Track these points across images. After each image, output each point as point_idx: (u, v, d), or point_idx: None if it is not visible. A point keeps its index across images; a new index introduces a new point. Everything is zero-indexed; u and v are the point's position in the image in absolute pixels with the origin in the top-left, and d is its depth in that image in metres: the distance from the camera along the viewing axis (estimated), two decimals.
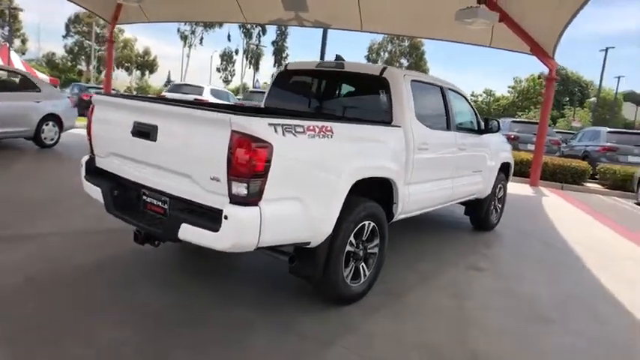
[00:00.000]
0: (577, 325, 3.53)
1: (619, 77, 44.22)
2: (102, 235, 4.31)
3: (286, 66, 4.79)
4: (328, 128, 2.92)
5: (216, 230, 2.52)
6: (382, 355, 2.80)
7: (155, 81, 67.03)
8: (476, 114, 5.38)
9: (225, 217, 2.49)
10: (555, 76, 11.17)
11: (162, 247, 3.42)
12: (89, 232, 4.38)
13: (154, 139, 2.85)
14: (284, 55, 67.96)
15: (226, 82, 66.01)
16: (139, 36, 61.43)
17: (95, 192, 3.36)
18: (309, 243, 2.94)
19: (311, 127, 2.79)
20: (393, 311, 3.41)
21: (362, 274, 3.43)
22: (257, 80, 45.47)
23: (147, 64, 63.46)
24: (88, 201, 5.00)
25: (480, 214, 5.93)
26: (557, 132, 20.00)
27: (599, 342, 3.32)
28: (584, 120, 49.02)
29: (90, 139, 3.49)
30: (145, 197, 3.12)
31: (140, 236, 3.07)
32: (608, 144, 13.80)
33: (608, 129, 15.08)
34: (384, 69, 4.01)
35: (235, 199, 2.51)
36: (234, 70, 67.24)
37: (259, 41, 65.18)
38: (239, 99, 19.58)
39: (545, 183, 11.81)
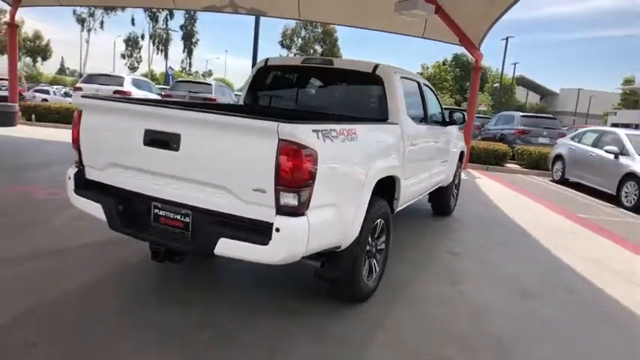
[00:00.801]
0: (562, 297, 3.94)
1: (515, 64, 47.83)
2: (83, 252, 3.93)
3: (266, 61, 4.61)
4: (354, 131, 2.91)
5: (265, 244, 2.42)
6: (418, 348, 2.91)
7: (48, 68, 61.19)
8: (441, 106, 5.64)
9: (277, 230, 2.40)
10: (480, 65, 11.97)
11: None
12: (66, 251, 3.94)
13: (176, 149, 2.63)
14: (194, 41, 65.35)
15: (132, 69, 62.06)
16: (26, 18, 55.23)
17: (93, 208, 3.02)
18: (339, 246, 2.93)
19: (342, 131, 2.77)
20: (406, 304, 3.53)
21: (374, 271, 3.50)
22: (170, 67, 43.06)
23: (38, 50, 57.57)
24: (41, 214, 4.56)
25: (443, 200, 6.27)
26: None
27: (583, 312, 3.74)
28: (486, 104, 53.24)
29: (78, 149, 3.12)
30: (157, 211, 2.87)
31: (161, 253, 2.84)
32: (522, 127, 15.16)
33: (522, 113, 16.56)
34: (376, 66, 4.05)
35: (283, 210, 2.43)
36: (140, 57, 63.42)
37: (167, 25, 62.00)
38: (162, 89, 18.49)
39: (472, 165, 12.70)
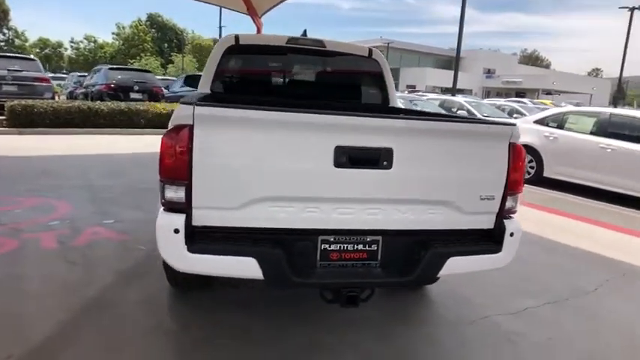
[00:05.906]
0: None
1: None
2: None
3: (237, 39, 3.72)
4: None
5: (497, 251, 2.39)
6: None
7: None
8: None
9: (511, 234, 2.39)
10: (261, 33, 12.57)
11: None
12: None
13: (388, 167, 2.15)
14: None
15: None
16: None
17: (235, 267, 2.13)
18: None
19: None
20: None
21: None
22: None
23: None
24: None
25: None
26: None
27: None
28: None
29: (188, 184, 2.05)
30: (326, 246, 2.28)
31: (359, 295, 2.29)
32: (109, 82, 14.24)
33: (109, 66, 16.52)
34: (370, 50, 3.94)
35: (508, 213, 2.43)
36: None
37: None
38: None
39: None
